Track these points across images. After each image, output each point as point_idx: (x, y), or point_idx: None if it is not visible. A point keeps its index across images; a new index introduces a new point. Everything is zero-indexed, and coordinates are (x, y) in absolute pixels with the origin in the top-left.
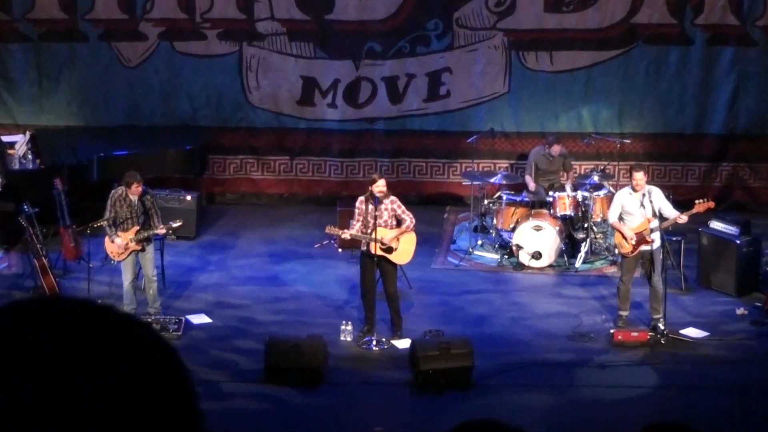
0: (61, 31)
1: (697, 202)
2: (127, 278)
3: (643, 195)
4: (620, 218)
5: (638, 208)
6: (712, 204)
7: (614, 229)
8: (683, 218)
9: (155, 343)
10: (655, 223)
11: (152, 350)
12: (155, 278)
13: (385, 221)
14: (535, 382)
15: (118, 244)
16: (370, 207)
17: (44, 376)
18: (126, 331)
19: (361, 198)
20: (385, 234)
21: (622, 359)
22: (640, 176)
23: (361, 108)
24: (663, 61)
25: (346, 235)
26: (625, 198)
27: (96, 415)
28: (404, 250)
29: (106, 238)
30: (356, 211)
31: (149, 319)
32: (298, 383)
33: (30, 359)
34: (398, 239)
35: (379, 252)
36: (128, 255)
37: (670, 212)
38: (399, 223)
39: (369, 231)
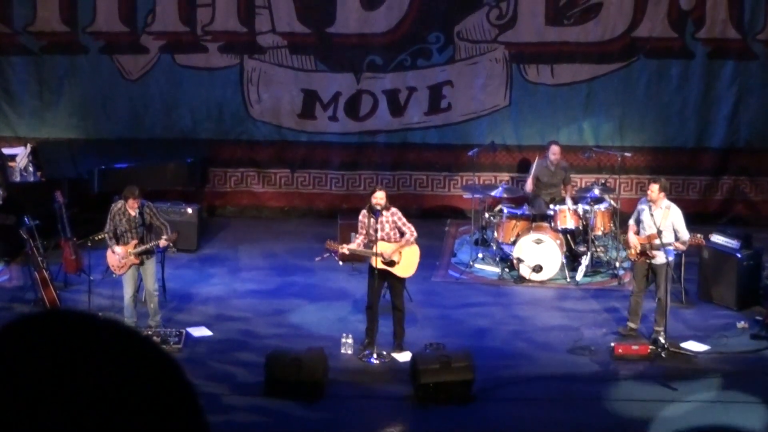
0: (62, 43)
1: (692, 235)
2: (127, 291)
3: (651, 208)
4: (638, 226)
5: (648, 221)
6: (703, 241)
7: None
8: (681, 246)
9: (159, 357)
10: (663, 239)
11: (156, 364)
12: (156, 292)
13: (387, 234)
14: (536, 396)
15: (118, 256)
16: (372, 220)
17: (49, 390)
18: (130, 346)
19: (363, 211)
20: (385, 248)
21: (622, 373)
22: (652, 188)
23: (362, 121)
24: (664, 75)
25: (345, 250)
26: (641, 206)
27: (102, 429)
28: (407, 263)
29: (108, 251)
30: (359, 224)
31: (149, 332)
32: (299, 396)
33: (35, 373)
34: (400, 252)
35: (381, 266)
36: (128, 268)
37: (681, 234)
38: (402, 235)
39: (372, 244)
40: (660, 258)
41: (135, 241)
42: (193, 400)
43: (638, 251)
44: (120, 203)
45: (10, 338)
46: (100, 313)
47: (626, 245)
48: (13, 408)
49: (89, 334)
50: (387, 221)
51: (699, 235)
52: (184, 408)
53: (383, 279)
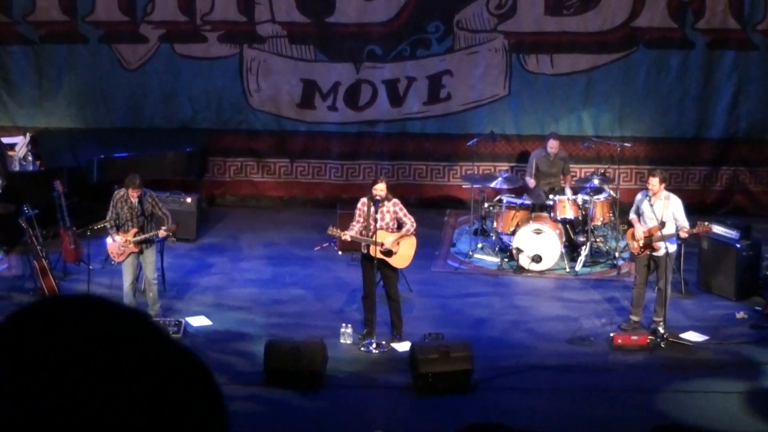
0: (62, 33)
1: (698, 223)
2: (126, 279)
3: (651, 200)
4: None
5: (649, 213)
6: (710, 228)
7: (630, 224)
8: (683, 234)
9: (178, 347)
10: (665, 231)
11: (178, 357)
12: (155, 281)
13: (387, 224)
14: (535, 386)
15: (118, 244)
16: (372, 209)
17: (70, 378)
18: (150, 334)
19: (363, 199)
20: (385, 237)
21: (621, 363)
22: (652, 181)
23: (361, 111)
24: (664, 65)
25: (347, 237)
26: (641, 198)
27: (124, 418)
28: (404, 254)
29: (109, 239)
30: (357, 212)
31: None
32: (298, 386)
33: (55, 359)
34: (398, 243)
35: (379, 255)
36: (128, 256)
37: (681, 223)
38: (401, 226)
39: (370, 233)
40: (662, 249)
41: (135, 230)
42: (219, 395)
43: (642, 245)
44: (122, 191)
45: (33, 322)
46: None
47: (632, 238)
48: (31, 396)
49: (113, 322)
50: (387, 211)
51: (706, 223)
52: (209, 401)
53: (377, 269)
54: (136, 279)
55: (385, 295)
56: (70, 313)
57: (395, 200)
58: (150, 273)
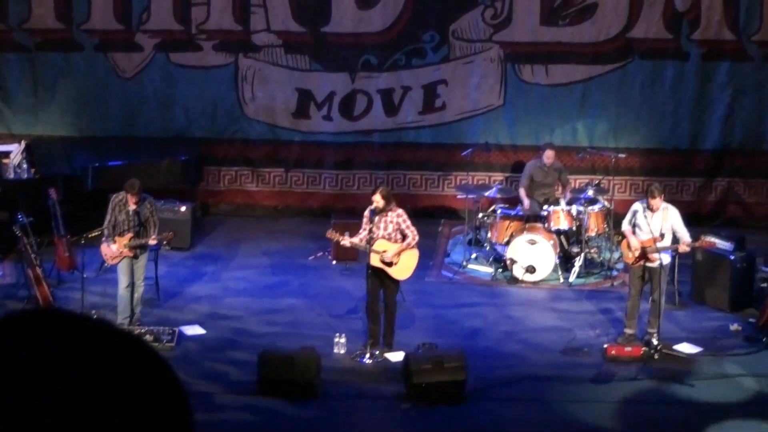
0: (57, 41)
1: (701, 237)
2: (122, 282)
3: (647, 213)
4: (634, 229)
5: (645, 226)
6: (714, 243)
7: (624, 236)
8: (684, 248)
9: (150, 357)
10: (662, 244)
11: (147, 365)
12: (143, 284)
13: (389, 234)
14: (529, 397)
15: (113, 249)
16: (376, 218)
17: (38, 389)
18: (121, 346)
19: (370, 207)
20: (387, 247)
21: (615, 374)
22: (655, 203)
23: (356, 120)
24: (659, 76)
25: (346, 242)
26: (638, 209)
27: (90, 428)
28: (404, 265)
29: (103, 240)
30: (364, 220)
31: (143, 329)
32: (292, 396)
33: (25, 372)
34: (399, 254)
35: (378, 264)
36: (121, 259)
37: (681, 235)
38: (404, 237)
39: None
40: (657, 261)
41: (130, 235)
42: (183, 402)
43: (637, 254)
44: (121, 194)
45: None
46: (93, 312)
47: (627, 249)
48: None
49: (79, 334)
50: (390, 221)
51: (708, 238)
52: (173, 409)
53: (379, 279)
54: (132, 283)
55: (384, 304)
56: (34, 327)
57: (399, 211)
58: (139, 275)
